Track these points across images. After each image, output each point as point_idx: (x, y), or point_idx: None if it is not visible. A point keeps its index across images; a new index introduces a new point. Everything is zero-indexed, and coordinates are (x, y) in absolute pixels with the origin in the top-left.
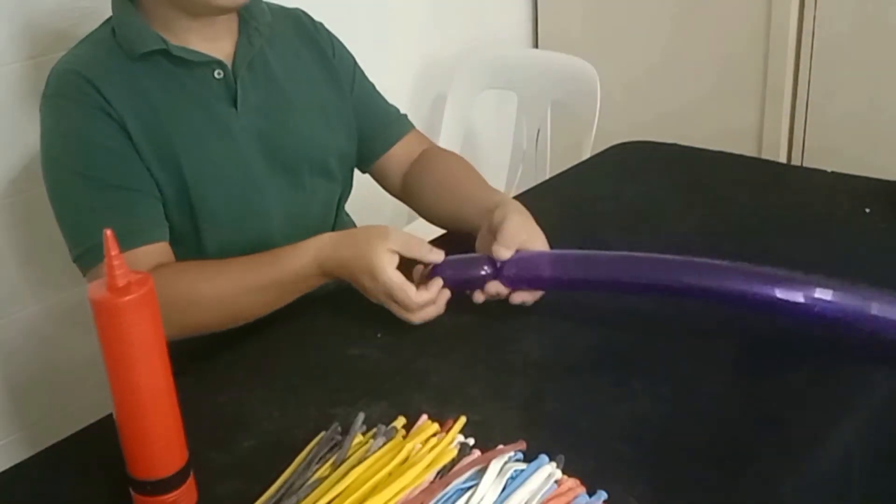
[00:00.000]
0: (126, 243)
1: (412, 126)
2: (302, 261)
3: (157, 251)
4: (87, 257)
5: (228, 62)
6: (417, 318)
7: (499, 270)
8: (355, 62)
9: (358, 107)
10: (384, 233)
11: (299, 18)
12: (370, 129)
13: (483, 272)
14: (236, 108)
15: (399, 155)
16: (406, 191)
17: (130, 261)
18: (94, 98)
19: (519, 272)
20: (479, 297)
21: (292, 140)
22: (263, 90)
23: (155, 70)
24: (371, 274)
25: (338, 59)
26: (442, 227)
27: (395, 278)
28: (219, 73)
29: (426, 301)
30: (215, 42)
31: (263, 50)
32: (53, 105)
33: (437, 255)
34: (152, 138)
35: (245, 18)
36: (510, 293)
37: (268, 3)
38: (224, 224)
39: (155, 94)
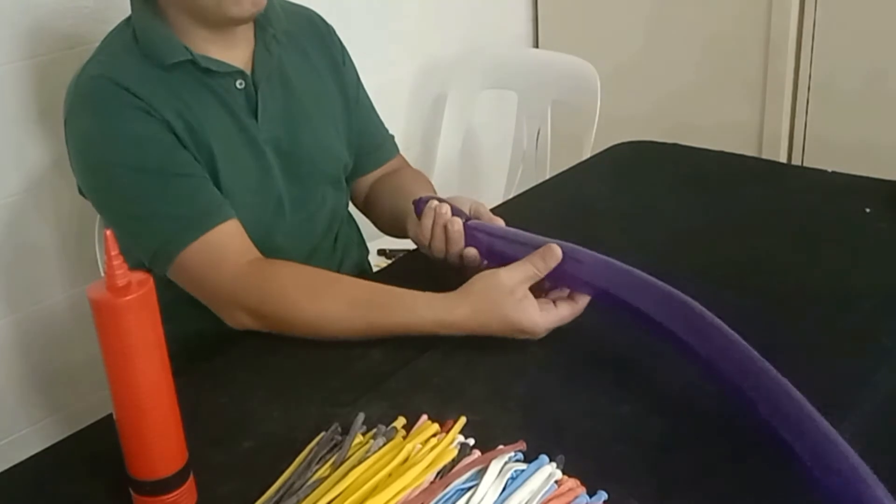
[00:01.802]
0: (204, 224)
1: (398, 151)
2: (420, 304)
3: (235, 226)
4: (169, 248)
5: (247, 71)
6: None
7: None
8: (358, 75)
9: (357, 122)
10: (502, 284)
11: (313, 20)
12: (363, 146)
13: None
14: (257, 118)
15: (377, 175)
16: (367, 202)
17: (219, 238)
18: (133, 101)
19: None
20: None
21: (307, 152)
22: (280, 100)
23: (186, 77)
24: (522, 331)
25: (346, 69)
26: (388, 231)
27: (543, 319)
28: (240, 84)
29: (574, 306)
30: (233, 50)
31: (280, 56)
32: (89, 111)
33: (556, 252)
34: (194, 141)
35: (262, 25)
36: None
37: (280, 2)
38: (251, 234)
39: (192, 101)
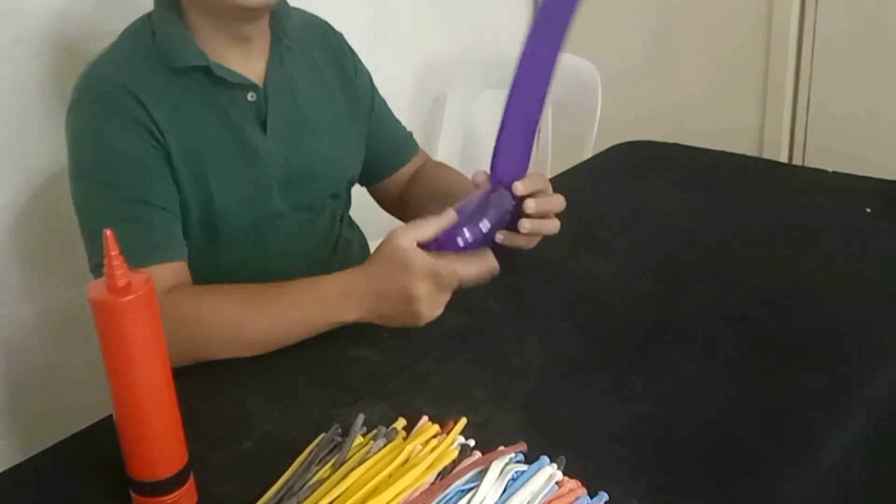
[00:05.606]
0: (144, 258)
1: (418, 147)
2: (322, 284)
3: (175, 270)
4: (102, 269)
5: (260, 83)
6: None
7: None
8: (372, 80)
9: (374, 127)
10: (395, 235)
11: (325, 31)
12: (383, 149)
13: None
14: (265, 132)
15: (404, 174)
16: (401, 203)
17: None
18: (134, 110)
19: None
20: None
21: (311, 166)
22: (290, 113)
23: (193, 86)
24: (405, 264)
25: (359, 79)
26: None
27: (431, 258)
28: (252, 97)
29: (477, 266)
30: (249, 62)
31: (291, 68)
32: (88, 113)
33: (448, 215)
34: (188, 156)
35: (278, 35)
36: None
37: (298, 12)
38: (241, 244)
39: (192, 111)
